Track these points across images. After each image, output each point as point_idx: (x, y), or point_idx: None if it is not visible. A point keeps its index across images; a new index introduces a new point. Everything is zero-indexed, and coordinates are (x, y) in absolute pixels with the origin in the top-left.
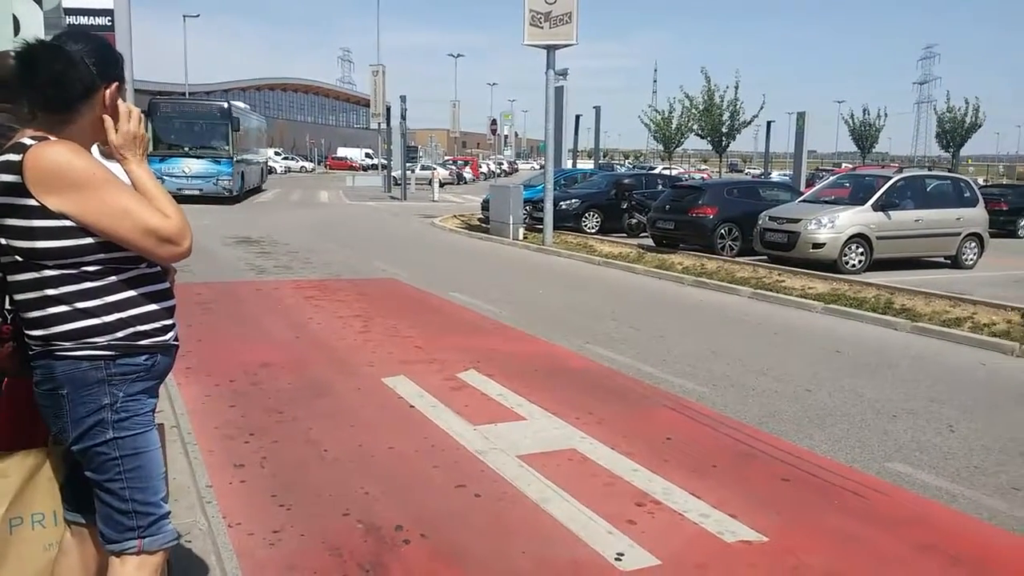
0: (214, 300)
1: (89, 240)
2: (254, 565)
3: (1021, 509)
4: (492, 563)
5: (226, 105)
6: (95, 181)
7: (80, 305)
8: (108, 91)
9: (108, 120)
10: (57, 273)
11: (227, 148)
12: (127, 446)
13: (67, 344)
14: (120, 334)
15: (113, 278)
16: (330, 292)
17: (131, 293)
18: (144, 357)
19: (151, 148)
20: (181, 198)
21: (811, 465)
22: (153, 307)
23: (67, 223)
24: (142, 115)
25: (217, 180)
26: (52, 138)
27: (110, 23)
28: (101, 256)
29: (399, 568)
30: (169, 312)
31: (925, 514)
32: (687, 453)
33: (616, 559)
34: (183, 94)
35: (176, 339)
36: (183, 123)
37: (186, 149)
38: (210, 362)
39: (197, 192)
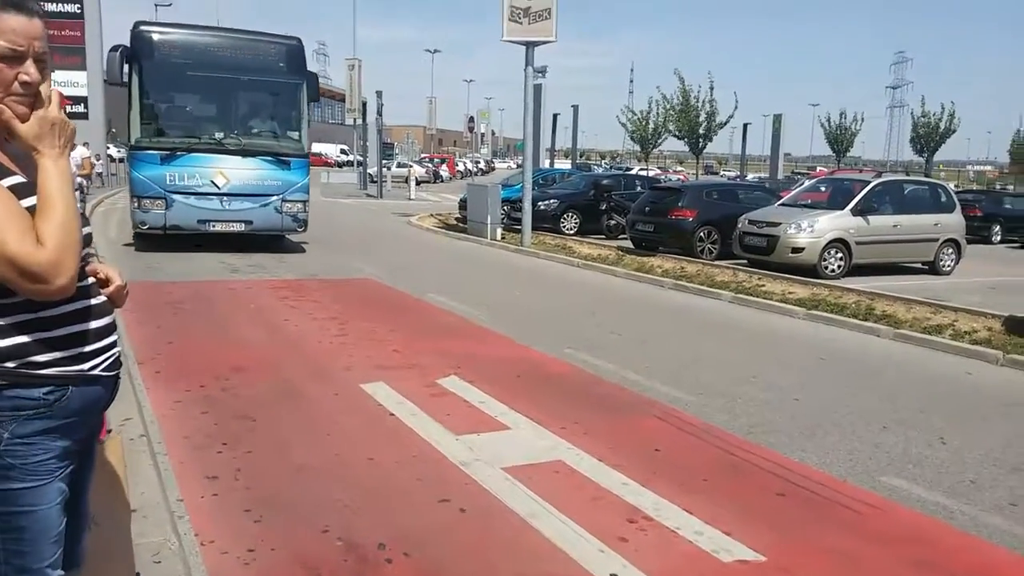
0: (185, 300)
1: None
2: None
3: (1019, 526)
4: None
5: (297, 44)
6: None
7: None
8: None
9: (13, 121)
10: None
11: (297, 136)
12: (7, 501)
13: None
14: (10, 364)
15: None
16: (305, 293)
17: (23, 317)
18: (45, 390)
19: (137, 134)
20: (208, 239)
21: (804, 479)
22: (56, 332)
23: None
24: (61, 96)
25: (282, 202)
26: None
27: (79, 10)
28: None
29: None
30: (82, 337)
31: (922, 531)
32: (677, 465)
33: None
34: None
35: (110, 368)
36: (210, 80)
37: (218, 138)
38: (181, 366)
39: (240, 228)
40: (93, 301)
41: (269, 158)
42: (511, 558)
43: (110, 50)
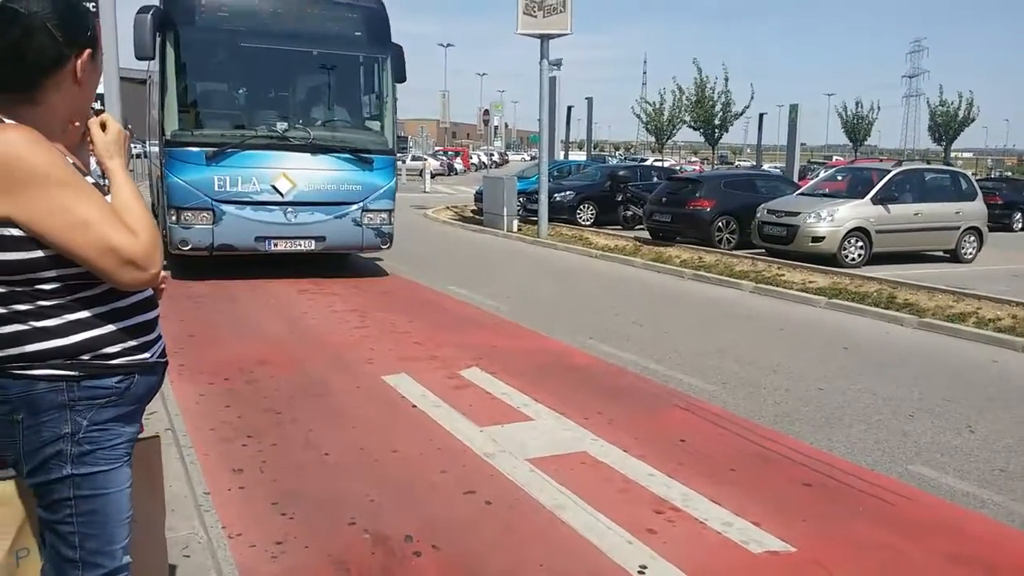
0: (205, 294)
1: (39, 253)
2: None
3: None
4: None
5: (379, 7)
6: (51, 180)
7: (38, 324)
8: (79, 61)
9: (95, 129)
10: (6, 290)
11: (380, 126)
12: (85, 485)
13: (24, 363)
14: (86, 356)
15: (77, 295)
16: (324, 285)
17: (101, 309)
18: (116, 379)
19: (175, 125)
20: (261, 264)
21: (832, 468)
22: (127, 322)
23: (14, 231)
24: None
25: (362, 212)
26: (7, 121)
27: (95, 8)
28: (55, 272)
29: None
30: (147, 327)
31: (955, 521)
32: (703, 456)
33: (639, 572)
34: None
35: (162, 355)
36: (269, 54)
37: (280, 129)
38: (203, 359)
39: (309, 246)
40: (149, 293)
41: (346, 155)
42: (539, 550)
43: (138, 12)
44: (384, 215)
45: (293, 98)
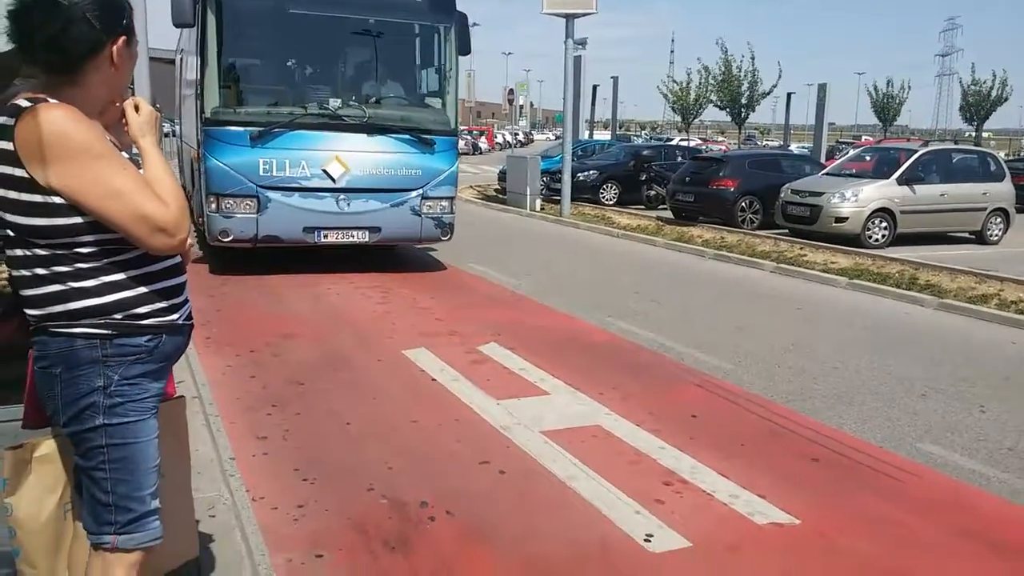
0: (230, 273)
1: (78, 220)
2: (279, 541)
3: None
4: (520, 543)
5: None
6: (91, 153)
7: (76, 285)
8: (115, 47)
9: (129, 110)
10: (48, 253)
11: (441, 104)
12: (116, 434)
13: (62, 322)
14: (118, 315)
15: (112, 258)
16: (348, 262)
17: (133, 272)
18: (146, 338)
19: (215, 102)
20: (307, 262)
21: (841, 445)
22: (157, 285)
23: (57, 200)
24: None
25: (421, 200)
26: (51, 100)
27: None
28: (93, 237)
29: (426, 546)
30: (175, 290)
31: (961, 498)
32: (714, 431)
33: (645, 540)
34: None
35: (189, 318)
36: (320, 23)
37: (333, 107)
38: (230, 332)
39: (363, 237)
40: (177, 259)
41: (405, 136)
42: (550, 518)
43: None
44: (445, 203)
45: (347, 72)
